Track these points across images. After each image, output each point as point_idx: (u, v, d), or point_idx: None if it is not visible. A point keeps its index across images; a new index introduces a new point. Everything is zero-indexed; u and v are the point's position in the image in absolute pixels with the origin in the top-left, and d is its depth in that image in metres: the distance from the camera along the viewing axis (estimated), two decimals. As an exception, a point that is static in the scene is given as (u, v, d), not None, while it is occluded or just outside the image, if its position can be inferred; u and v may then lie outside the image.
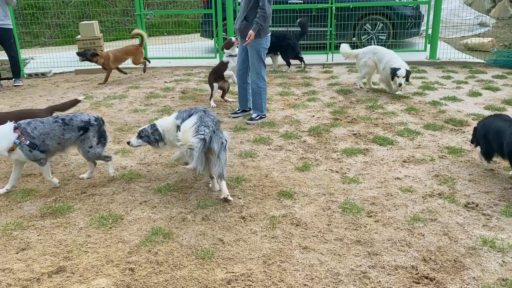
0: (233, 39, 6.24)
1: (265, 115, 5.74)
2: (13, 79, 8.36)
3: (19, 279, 2.72)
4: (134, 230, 3.24)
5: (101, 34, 10.86)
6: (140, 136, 3.93)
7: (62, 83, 8.33)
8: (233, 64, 6.15)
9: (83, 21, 11.15)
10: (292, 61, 8.75)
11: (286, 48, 8.45)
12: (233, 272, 2.76)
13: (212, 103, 6.40)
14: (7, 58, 8.26)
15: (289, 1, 10.02)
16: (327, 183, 3.94)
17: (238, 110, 5.97)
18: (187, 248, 3.01)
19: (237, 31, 5.62)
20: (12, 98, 7.34)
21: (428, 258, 2.88)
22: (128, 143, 4.03)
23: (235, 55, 6.10)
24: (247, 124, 5.58)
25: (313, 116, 5.84)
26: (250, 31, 5.25)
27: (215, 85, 6.39)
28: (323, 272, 2.75)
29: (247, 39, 5.29)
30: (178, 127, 3.70)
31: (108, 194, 3.81)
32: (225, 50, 6.36)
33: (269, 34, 5.48)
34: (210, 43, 11.03)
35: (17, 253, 2.99)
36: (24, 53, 9.67)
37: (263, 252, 2.95)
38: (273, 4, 5.52)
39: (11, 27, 7.97)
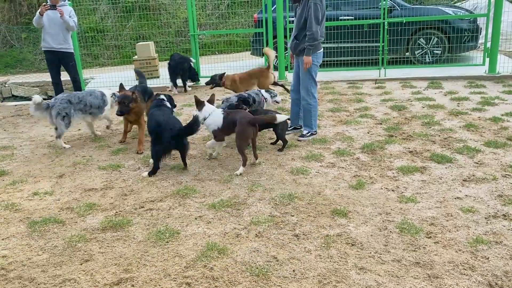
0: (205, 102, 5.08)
1: (316, 131, 5.72)
2: None
3: (83, 289, 2.85)
4: (190, 244, 3.31)
5: (156, 54, 11.32)
6: None
7: (120, 102, 8.72)
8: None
9: (139, 42, 11.68)
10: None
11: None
12: (288, 291, 2.74)
13: None
14: (68, 78, 8.78)
15: (339, 18, 10.01)
16: (383, 202, 3.85)
17: (289, 127, 5.98)
18: (242, 265, 3.03)
19: (290, 49, 5.72)
20: (75, 116, 7.76)
21: (494, 283, 2.72)
22: None
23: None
24: (298, 140, 5.57)
25: (368, 132, 5.74)
26: (305, 57, 5.30)
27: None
28: (381, 294, 2.67)
29: (304, 64, 5.34)
30: None
31: (165, 209, 3.92)
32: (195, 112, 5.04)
33: (321, 50, 5.47)
34: (260, 61, 11.19)
35: (81, 264, 3.14)
36: (85, 73, 10.25)
37: (318, 272, 2.92)
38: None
39: (72, 51, 8.48)
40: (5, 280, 2.99)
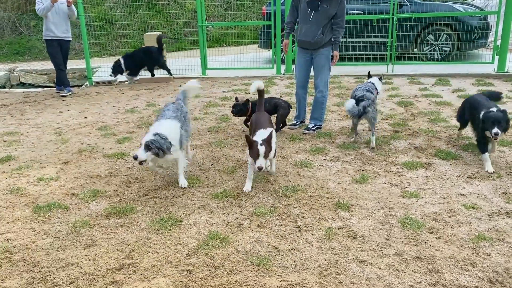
0: None
1: (322, 125, 5.71)
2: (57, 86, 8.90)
3: (85, 273, 2.88)
4: (192, 233, 3.33)
5: (164, 45, 11.30)
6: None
7: (127, 91, 8.76)
8: None
9: (147, 32, 11.67)
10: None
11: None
12: (288, 281, 2.75)
13: None
14: (76, 66, 8.87)
15: (349, 12, 9.94)
16: (386, 196, 3.85)
17: (297, 122, 5.94)
18: (243, 254, 3.05)
19: (305, 43, 5.45)
20: (81, 104, 7.81)
21: (494, 279, 2.72)
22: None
23: None
24: (304, 134, 5.57)
25: (372, 127, 5.72)
26: (336, 52, 5.42)
27: None
28: (381, 286, 2.68)
29: (334, 60, 5.46)
30: None
31: (168, 197, 3.95)
32: None
33: None
34: (267, 54, 11.16)
35: (84, 249, 3.17)
36: (92, 62, 10.27)
37: (319, 263, 2.93)
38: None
39: (71, 39, 8.69)
40: (9, 262, 3.03)
